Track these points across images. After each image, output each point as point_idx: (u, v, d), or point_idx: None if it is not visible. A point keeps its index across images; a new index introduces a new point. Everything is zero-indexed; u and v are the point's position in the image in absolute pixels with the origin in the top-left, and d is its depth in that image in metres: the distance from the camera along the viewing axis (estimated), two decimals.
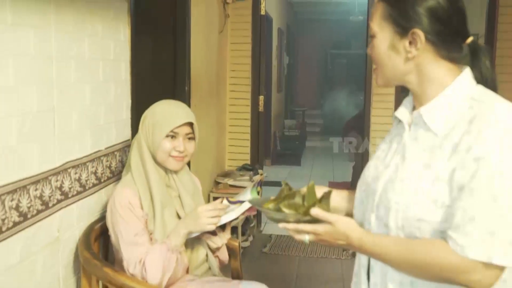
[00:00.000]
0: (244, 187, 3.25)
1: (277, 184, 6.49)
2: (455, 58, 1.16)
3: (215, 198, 3.31)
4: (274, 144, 8.42)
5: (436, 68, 1.15)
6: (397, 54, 1.16)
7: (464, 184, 1.03)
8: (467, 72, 1.16)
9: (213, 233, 1.98)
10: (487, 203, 1.01)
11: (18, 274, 1.56)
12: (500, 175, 1.00)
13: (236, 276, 2.22)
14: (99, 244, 2.02)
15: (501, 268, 1.03)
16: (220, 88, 4.52)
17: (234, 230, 3.97)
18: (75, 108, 1.87)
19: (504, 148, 1.01)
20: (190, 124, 1.97)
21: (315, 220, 1.20)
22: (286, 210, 1.25)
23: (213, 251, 2.06)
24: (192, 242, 1.97)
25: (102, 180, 2.09)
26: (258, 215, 4.78)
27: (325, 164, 8.21)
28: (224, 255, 2.12)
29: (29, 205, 1.59)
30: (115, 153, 2.21)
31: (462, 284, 1.06)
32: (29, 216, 1.59)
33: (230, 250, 2.18)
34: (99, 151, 2.06)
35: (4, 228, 1.47)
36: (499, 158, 1.01)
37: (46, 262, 1.71)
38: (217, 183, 4.23)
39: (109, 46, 2.14)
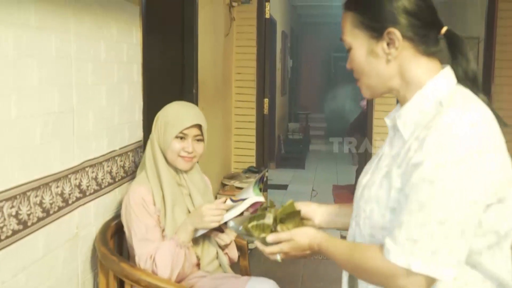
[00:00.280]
0: None
1: (281, 187, 6.54)
2: (435, 53, 1.13)
3: None
4: (278, 148, 8.43)
5: (416, 67, 1.11)
6: (377, 59, 1.13)
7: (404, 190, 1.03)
8: (445, 71, 1.11)
9: (221, 230, 2.04)
10: (413, 211, 0.99)
11: (41, 268, 1.61)
12: (430, 183, 0.97)
13: (245, 274, 2.26)
14: (114, 241, 2.08)
15: (426, 277, 0.99)
16: (226, 90, 4.56)
17: None
18: (92, 109, 1.92)
19: (441, 156, 0.96)
20: (199, 126, 2.03)
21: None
22: (254, 233, 1.30)
23: (222, 248, 2.11)
24: (203, 240, 2.03)
25: (116, 180, 2.15)
26: None
27: (329, 167, 8.20)
28: (233, 252, 2.17)
29: (51, 201, 1.65)
30: (128, 153, 2.27)
31: None
32: (51, 212, 1.65)
33: (239, 248, 2.24)
34: (113, 151, 2.12)
35: (29, 223, 1.53)
36: (433, 166, 0.97)
37: (66, 258, 1.77)
38: (223, 185, 4.28)
39: (123, 48, 2.19)
